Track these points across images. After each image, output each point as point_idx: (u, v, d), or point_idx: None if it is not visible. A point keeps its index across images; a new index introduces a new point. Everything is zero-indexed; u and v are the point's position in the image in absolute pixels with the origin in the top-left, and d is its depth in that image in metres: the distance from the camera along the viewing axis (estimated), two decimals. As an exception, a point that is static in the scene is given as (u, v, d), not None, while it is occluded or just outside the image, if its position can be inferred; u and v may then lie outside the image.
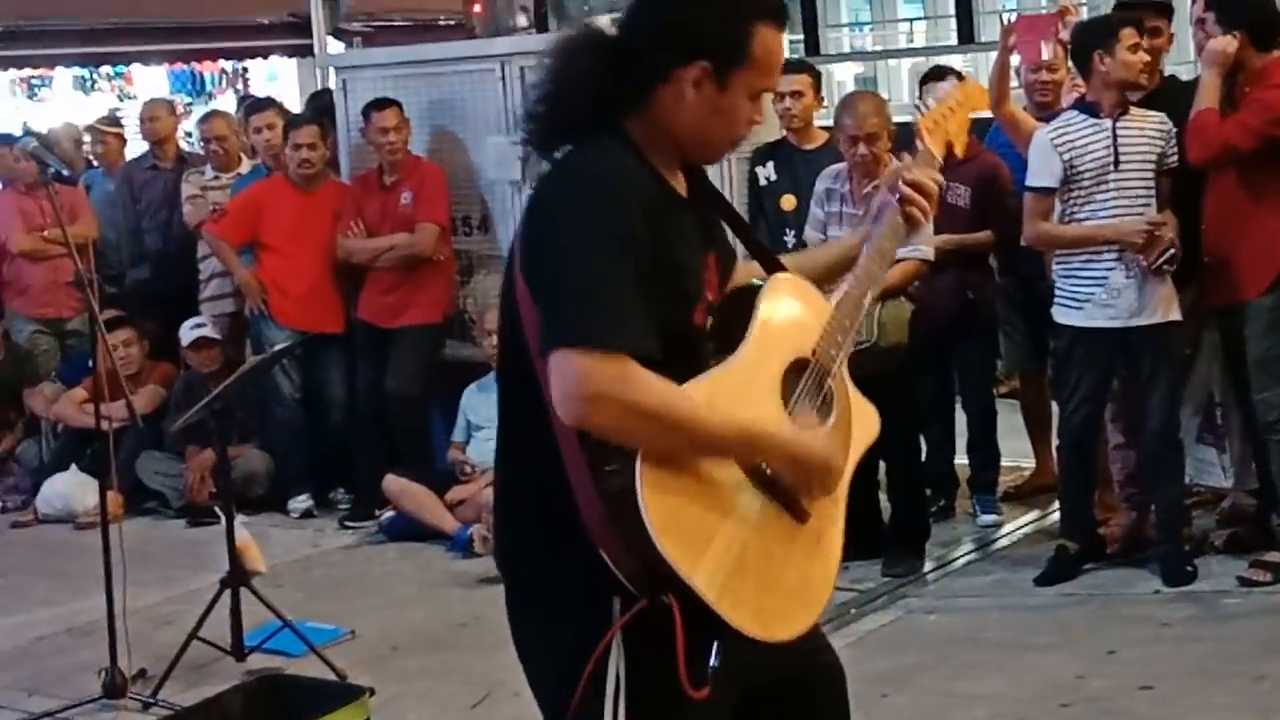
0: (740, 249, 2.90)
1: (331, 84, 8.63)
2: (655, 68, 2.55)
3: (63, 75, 18.92)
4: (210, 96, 18.75)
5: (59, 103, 18.77)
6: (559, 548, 2.52)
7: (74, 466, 8.08)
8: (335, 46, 13.71)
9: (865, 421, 2.74)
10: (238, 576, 5.51)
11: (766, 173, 6.97)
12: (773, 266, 2.78)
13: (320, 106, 8.70)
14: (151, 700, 5.19)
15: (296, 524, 7.67)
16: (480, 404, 7.47)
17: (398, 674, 5.38)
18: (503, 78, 7.64)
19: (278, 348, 7.27)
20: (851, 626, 5.75)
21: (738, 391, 2.51)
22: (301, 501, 7.82)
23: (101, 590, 5.33)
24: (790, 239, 6.78)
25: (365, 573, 6.86)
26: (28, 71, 18.12)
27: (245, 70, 20.13)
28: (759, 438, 2.49)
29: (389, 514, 7.37)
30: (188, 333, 8.03)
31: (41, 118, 15.57)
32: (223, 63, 19.88)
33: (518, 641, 2.74)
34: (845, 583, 6.16)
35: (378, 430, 7.69)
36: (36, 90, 18.95)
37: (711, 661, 2.47)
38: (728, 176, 7.07)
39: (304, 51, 18.12)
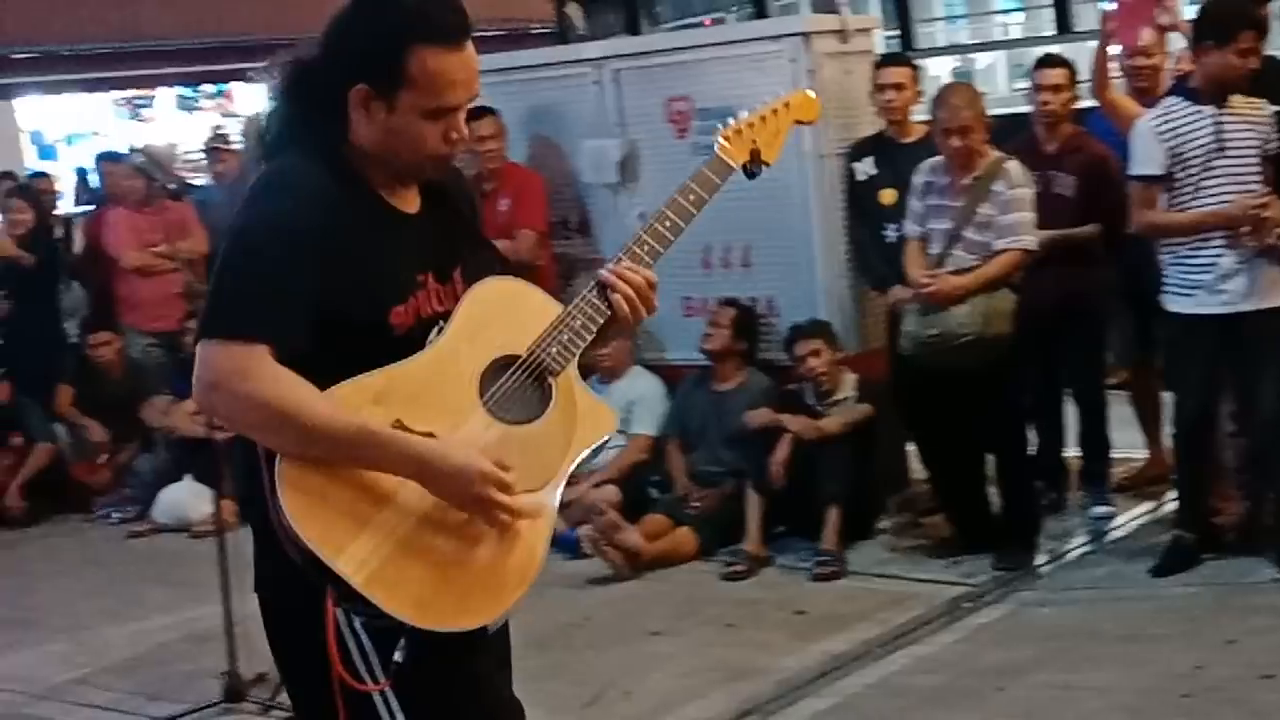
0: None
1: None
2: (330, 92, 2.59)
3: (165, 94, 19.29)
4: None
5: (162, 122, 19.13)
6: (275, 546, 2.52)
7: (188, 477, 8.21)
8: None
9: (595, 421, 2.73)
10: (350, 581, 5.55)
11: (864, 168, 6.94)
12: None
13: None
14: (271, 703, 5.25)
15: (405, 530, 7.72)
16: (584, 407, 7.49)
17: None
18: (598, 81, 7.67)
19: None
20: (963, 621, 5.72)
21: (423, 382, 2.56)
22: (408, 508, 7.87)
23: (218, 597, 5.42)
24: (891, 233, 6.74)
25: (474, 576, 6.89)
26: (131, 92, 18.49)
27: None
28: (378, 440, 2.48)
29: (497, 517, 7.40)
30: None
31: (145, 137, 15.89)
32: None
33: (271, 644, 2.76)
34: (955, 577, 6.15)
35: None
36: (140, 110, 19.33)
37: (396, 655, 2.51)
38: (822, 173, 7.06)
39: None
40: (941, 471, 6.56)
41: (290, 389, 2.45)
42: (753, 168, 2.92)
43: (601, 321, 2.71)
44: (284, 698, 5.23)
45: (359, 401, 2.50)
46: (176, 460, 8.43)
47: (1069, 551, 6.43)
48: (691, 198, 2.81)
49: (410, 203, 2.70)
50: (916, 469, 6.96)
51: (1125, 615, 5.60)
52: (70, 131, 18.75)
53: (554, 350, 2.65)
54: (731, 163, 2.88)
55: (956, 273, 6.07)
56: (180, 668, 5.87)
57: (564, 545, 6.95)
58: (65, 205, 10.74)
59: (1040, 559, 6.30)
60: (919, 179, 6.31)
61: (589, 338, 2.69)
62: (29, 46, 15.13)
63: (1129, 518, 6.73)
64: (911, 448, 6.95)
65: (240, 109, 18.77)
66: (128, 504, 8.60)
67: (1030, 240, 6.04)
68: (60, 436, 9.00)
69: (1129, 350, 7.10)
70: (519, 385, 2.63)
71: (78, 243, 9.68)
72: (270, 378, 2.44)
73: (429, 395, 2.55)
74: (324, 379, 2.49)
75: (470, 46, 2.59)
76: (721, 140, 2.89)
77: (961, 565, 6.26)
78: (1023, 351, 6.14)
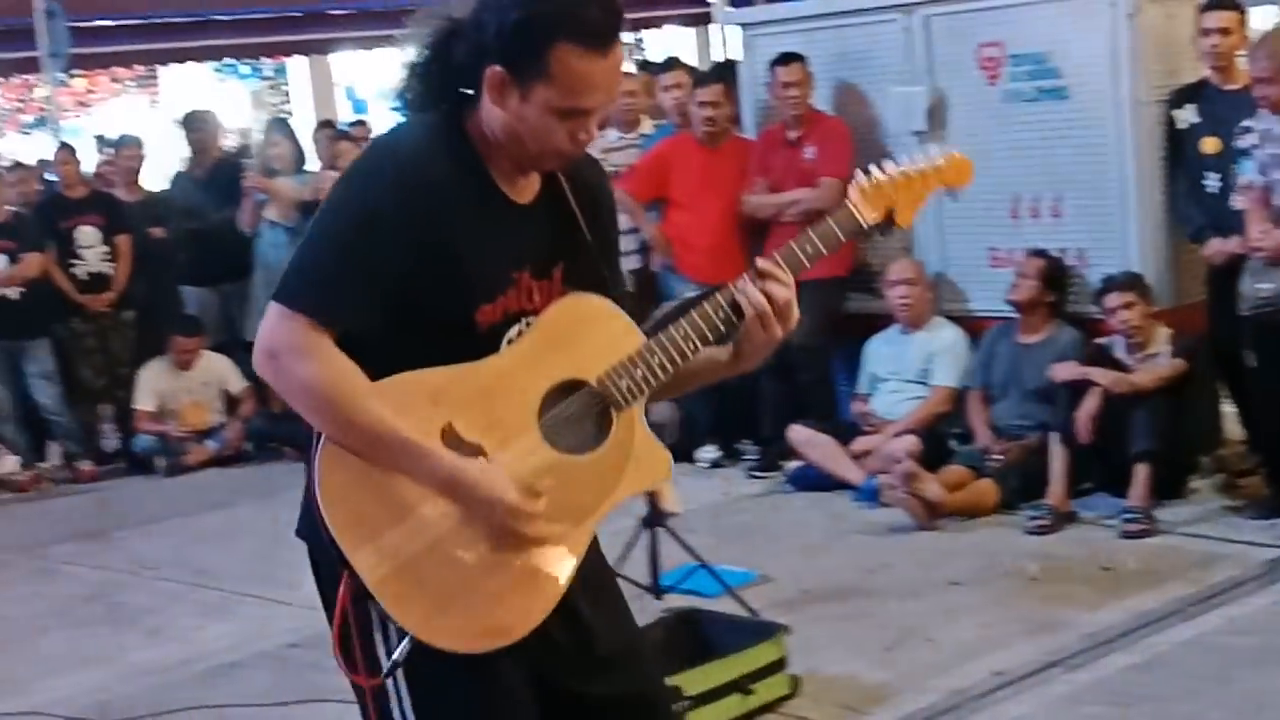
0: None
1: (731, 47, 8.73)
2: (469, 62, 2.47)
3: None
4: (610, 67, 19.29)
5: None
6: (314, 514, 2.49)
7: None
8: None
9: (648, 466, 2.60)
10: (655, 517, 5.66)
11: (1185, 115, 6.70)
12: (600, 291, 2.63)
13: (725, 67, 8.83)
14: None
15: (705, 473, 7.84)
16: (883, 356, 7.47)
17: (810, 616, 5.43)
18: (907, 28, 7.58)
19: (686, 298, 7.41)
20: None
21: (484, 389, 2.47)
22: (709, 452, 7.98)
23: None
24: (1211, 183, 6.50)
25: (774, 520, 6.94)
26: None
27: (641, 42, 20.62)
28: (414, 450, 2.42)
29: (795, 464, 7.44)
30: (599, 287, 8.28)
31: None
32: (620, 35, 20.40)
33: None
34: (1273, 539, 5.94)
35: (782, 382, 7.76)
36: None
37: (395, 654, 2.47)
38: (1140, 120, 6.83)
39: (700, 20, 18.44)
40: (1264, 431, 6.31)
41: (341, 379, 2.41)
42: (883, 230, 2.75)
43: (681, 364, 2.58)
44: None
45: (416, 396, 2.45)
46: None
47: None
48: (809, 249, 2.67)
49: (525, 191, 2.59)
50: (1233, 428, 6.72)
51: None
52: (382, 87, 19.39)
53: (624, 384, 2.54)
54: (861, 221, 2.70)
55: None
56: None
57: (864, 494, 6.95)
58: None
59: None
60: (1260, 125, 6.04)
61: (665, 378, 2.57)
62: (346, 3, 15.70)
63: None
64: (1230, 407, 6.71)
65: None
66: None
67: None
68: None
69: None
70: (579, 413, 2.54)
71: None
72: (325, 363, 2.41)
73: (486, 404, 2.48)
74: (396, 359, 2.45)
75: (618, 51, 2.45)
76: (854, 193, 2.72)
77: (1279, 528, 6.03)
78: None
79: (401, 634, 2.47)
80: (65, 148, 10.42)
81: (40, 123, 17.13)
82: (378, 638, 2.52)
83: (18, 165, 11.16)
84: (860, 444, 7.20)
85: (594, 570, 2.68)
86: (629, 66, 16.13)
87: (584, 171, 2.68)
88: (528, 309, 2.57)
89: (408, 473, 2.45)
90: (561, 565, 2.54)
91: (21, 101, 18.11)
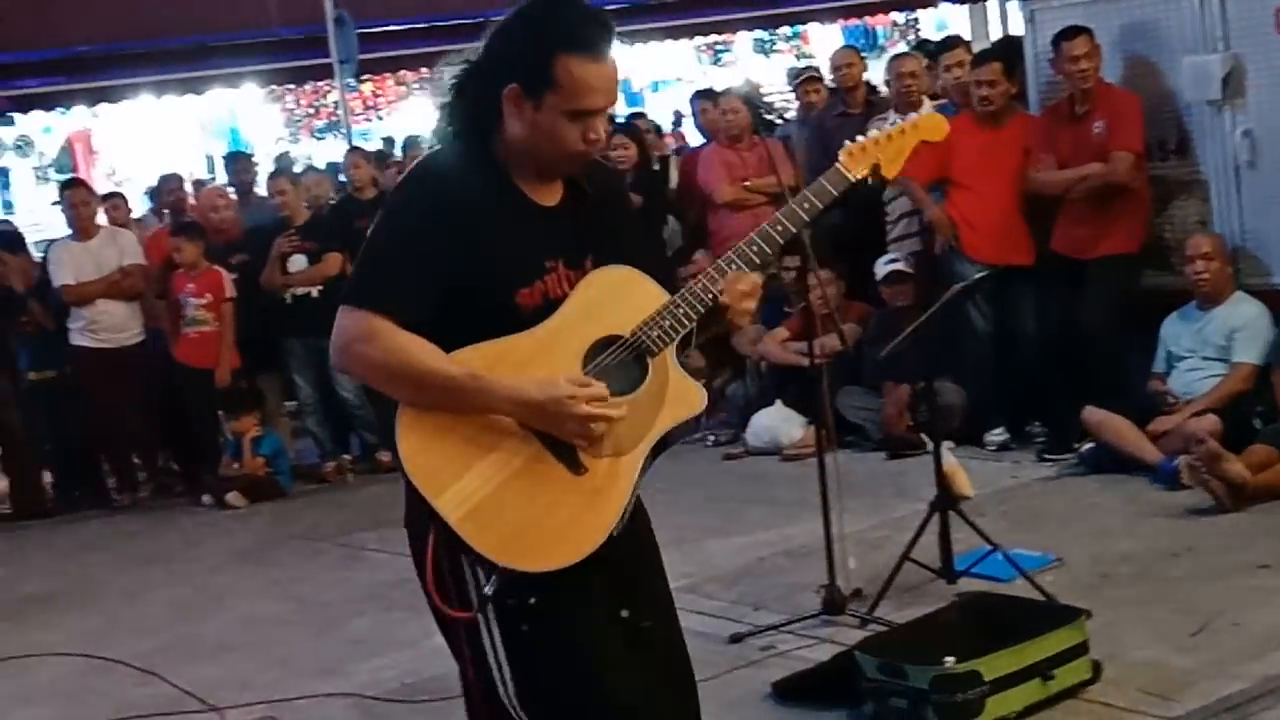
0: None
1: (1009, 23, 8.58)
2: (488, 91, 2.88)
3: (744, 39, 19.88)
4: (882, 50, 19.14)
5: (740, 66, 19.75)
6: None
7: (778, 402, 8.49)
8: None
9: (683, 399, 2.95)
10: (946, 500, 5.61)
11: None
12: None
13: (1006, 45, 8.68)
14: (868, 617, 5.38)
15: (993, 456, 7.72)
16: (1181, 334, 7.25)
17: (1109, 601, 5.31)
18: (1198, -5, 7.35)
19: (971, 279, 7.31)
20: None
21: (534, 351, 2.85)
22: (997, 434, 7.86)
23: (812, 515, 5.58)
24: None
25: (1067, 503, 6.80)
26: (712, 38, 19.15)
27: (915, 21, 20.42)
28: (480, 383, 2.80)
29: (1088, 445, 7.28)
30: (882, 267, 8.24)
31: (725, 80, 16.42)
32: (894, 15, 20.24)
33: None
34: None
35: (1072, 363, 7.59)
36: (720, 55, 20.01)
37: (485, 588, 2.83)
38: None
39: (974, -4, 18.17)
40: None
41: (406, 346, 2.81)
42: (873, 181, 3.12)
43: (704, 311, 2.94)
44: (881, 612, 5.38)
45: (476, 361, 2.83)
46: (767, 386, 8.72)
47: None
48: (806, 205, 3.03)
49: (549, 196, 2.99)
50: None
51: None
52: (656, 79, 19.64)
53: (655, 334, 2.90)
54: (850, 176, 3.09)
55: None
56: (780, 580, 6.08)
57: (1162, 476, 6.76)
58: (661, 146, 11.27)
59: None
60: None
61: (690, 325, 2.92)
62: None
63: None
64: None
65: (815, 50, 19.11)
66: (723, 428, 8.98)
67: None
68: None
69: None
70: (619, 361, 2.90)
71: (674, 179, 10.13)
72: (389, 339, 2.81)
73: (537, 362, 2.85)
74: (456, 344, 2.82)
75: (612, 60, 2.86)
76: (843, 155, 3.10)
77: None
78: None
79: (489, 575, 2.83)
80: (356, 151, 10.83)
81: (331, 127, 17.84)
82: (469, 582, 2.89)
83: (311, 169, 11.62)
84: (1158, 424, 6.99)
85: (643, 541, 3.06)
86: (902, 46, 16.01)
87: (601, 175, 3.11)
88: (568, 294, 2.95)
89: (480, 407, 2.82)
90: (618, 483, 2.89)
91: (314, 108, 18.88)
